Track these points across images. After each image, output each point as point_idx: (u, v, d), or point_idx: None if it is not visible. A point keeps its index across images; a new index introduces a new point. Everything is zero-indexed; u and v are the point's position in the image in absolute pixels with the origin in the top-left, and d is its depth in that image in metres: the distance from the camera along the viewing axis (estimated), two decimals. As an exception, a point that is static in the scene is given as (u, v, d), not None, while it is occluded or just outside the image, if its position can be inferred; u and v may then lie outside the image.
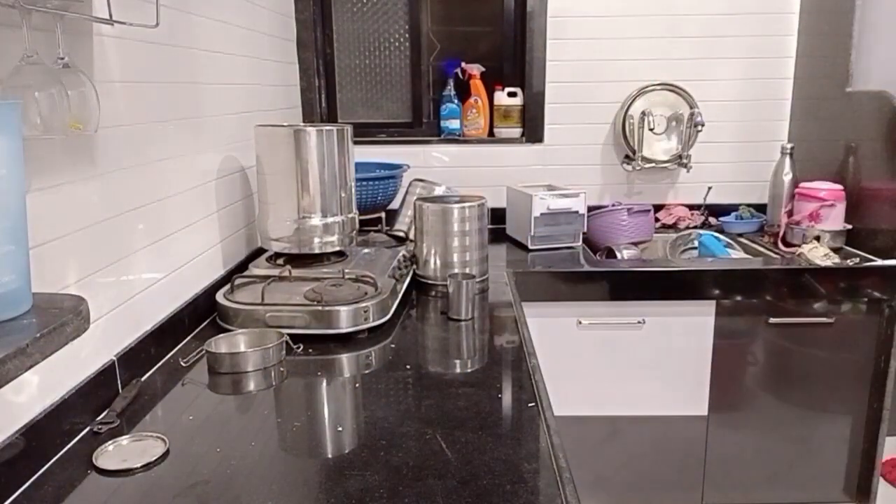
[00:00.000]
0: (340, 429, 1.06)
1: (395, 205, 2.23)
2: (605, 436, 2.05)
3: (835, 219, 2.10)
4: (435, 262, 1.78)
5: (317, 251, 1.65)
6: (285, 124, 1.67)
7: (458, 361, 1.33)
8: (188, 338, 1.42)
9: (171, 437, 1.01)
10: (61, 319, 0.75)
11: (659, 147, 2.45)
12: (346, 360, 1.34)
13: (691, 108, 2.40)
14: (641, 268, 1.97)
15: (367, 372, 1.28)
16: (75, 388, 1.03)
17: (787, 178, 2.26)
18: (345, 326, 1.41)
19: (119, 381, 1.15)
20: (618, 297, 1.95)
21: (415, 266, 1.82)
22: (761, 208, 2.44)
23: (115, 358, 1.14)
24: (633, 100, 2.41)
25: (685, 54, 2.44)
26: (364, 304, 1.42)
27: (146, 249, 1.27)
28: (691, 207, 2.53)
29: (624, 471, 2.07)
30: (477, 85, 2.51)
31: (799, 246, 2.09)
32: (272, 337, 1.33)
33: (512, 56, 2.56)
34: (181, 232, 1.42)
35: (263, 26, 2.01)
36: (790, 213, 2.22)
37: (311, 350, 1.36)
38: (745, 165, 2.53)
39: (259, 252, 1.81)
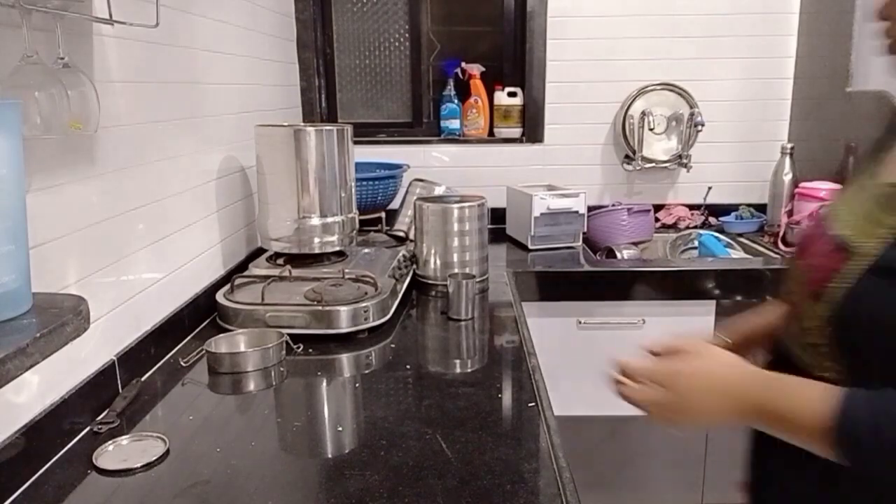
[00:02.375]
0: (340, 429, 1.06)
1: (395, 205, 2.23)
2: (605, 436, 2.05)
3: (835, 219, 2.10)
4: (435, 262, 1.78)
5: (317, 251, 1.65)
6: (285, 124, 1.67)
7: (458, 361, 1.33)
8: (188, 338, 1.42)
9: (171, 437, 1.01)
10: (61, 319, 0.74)
11: (659, 147, 2.45)
12: (346, 360, 1.34)
13: (691, 108, 2.40)
14: (641, 268, 1.97)
15: (367, 372, 1.28)
16: (75, 388, 1.03)
17: (787, 178, 2.26)
18: (345, 326, 1.41)
19: (119, 381, 1.15)
20: (618, 297, 1.95)
21: (415, 266, 1.82)
22: (761, 208, 2.44)
23: (115, 358, 1.14)
24: (633, 100, 2.41)
25: (685, 54, 2.44)
26: (364, 304, 1.42)
27: (146, 249, 1.27)
28: (691, 207, 2.53)
29: (624, 471, 2.07)
30: (477, 85, 2.51)
31: (799, 246, 2.09)
32: (272, 337, 1.33)
33: (512, 56, 2.56)
34: (181, 232, 1.42)
35: (263, 26, 2.01)
36: (790, 213, 2.22)
37: (311, 350, 1.36)
38: (745, 165, 2.53)
39: (259, 252, 1.80)
